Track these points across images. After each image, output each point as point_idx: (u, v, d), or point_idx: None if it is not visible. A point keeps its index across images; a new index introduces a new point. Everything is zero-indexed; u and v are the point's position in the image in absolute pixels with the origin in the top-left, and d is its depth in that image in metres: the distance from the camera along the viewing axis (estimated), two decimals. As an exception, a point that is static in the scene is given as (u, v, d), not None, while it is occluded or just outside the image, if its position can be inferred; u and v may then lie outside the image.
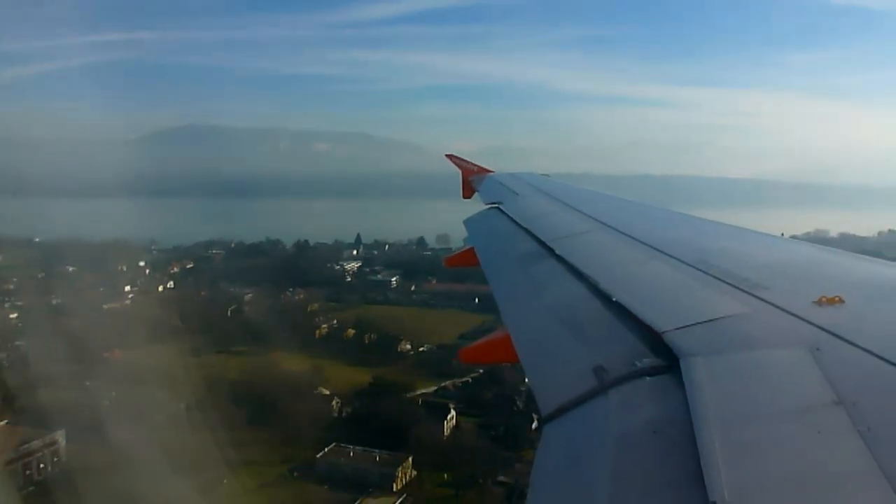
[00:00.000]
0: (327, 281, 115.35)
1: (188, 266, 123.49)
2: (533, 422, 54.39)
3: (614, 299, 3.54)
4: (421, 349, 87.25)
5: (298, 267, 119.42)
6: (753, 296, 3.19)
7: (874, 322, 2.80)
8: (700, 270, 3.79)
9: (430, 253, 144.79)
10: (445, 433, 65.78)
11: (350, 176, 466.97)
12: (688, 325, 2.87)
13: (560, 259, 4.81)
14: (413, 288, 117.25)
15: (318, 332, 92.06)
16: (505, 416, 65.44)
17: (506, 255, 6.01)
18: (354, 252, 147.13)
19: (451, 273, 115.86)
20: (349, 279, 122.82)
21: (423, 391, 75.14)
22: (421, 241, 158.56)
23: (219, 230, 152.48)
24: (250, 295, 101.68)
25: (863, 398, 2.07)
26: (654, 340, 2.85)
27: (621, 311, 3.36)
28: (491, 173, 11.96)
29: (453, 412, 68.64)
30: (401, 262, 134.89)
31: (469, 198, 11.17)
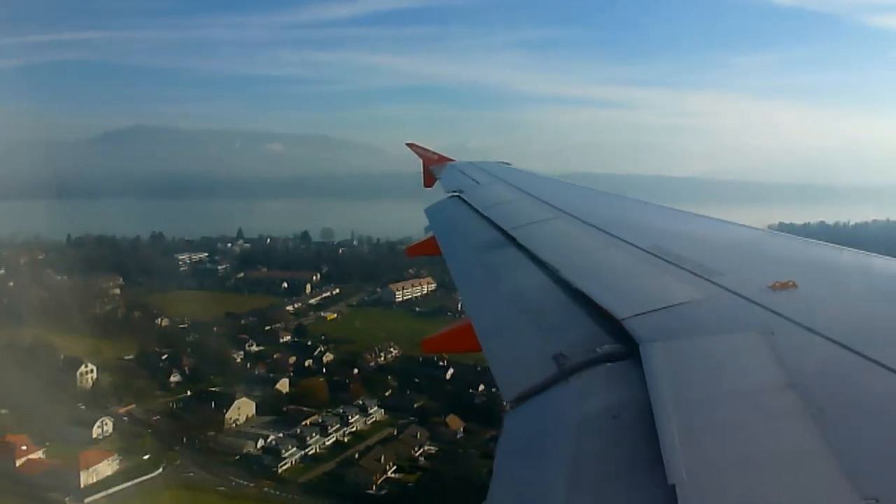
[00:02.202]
0: (154, 270, 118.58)
1: (39, 257, 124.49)
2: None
3: (575, 287, 3.54)
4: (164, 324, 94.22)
5: (136, 258, 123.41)
6: (709, 281, 3.22)
7: (826, 306, 2.86)
8: (657, 257, 3.83)
9: (304, 246, 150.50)
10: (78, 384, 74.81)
11: (302, 177, 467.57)
12: (646, 312, 2.89)
13: (520, 247, 4.82)
14: (241, 275, 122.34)
15: (97, 311, 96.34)
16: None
17: (466, 243, 6.01)
18: (229, 245, 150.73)
19: (282, 262, 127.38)
20: (183, 269, 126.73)
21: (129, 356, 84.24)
22: (304, 236, 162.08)
23: (137, 229, 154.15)
24: (63, 280, 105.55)
25: (815, 381, 2.11)
26: (613, 327, 2.87)
27: (581, 299, 3.36)
28: (452, 162, 11.87)
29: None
30: (260, 254, 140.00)
31: (430, 187, 11.08)
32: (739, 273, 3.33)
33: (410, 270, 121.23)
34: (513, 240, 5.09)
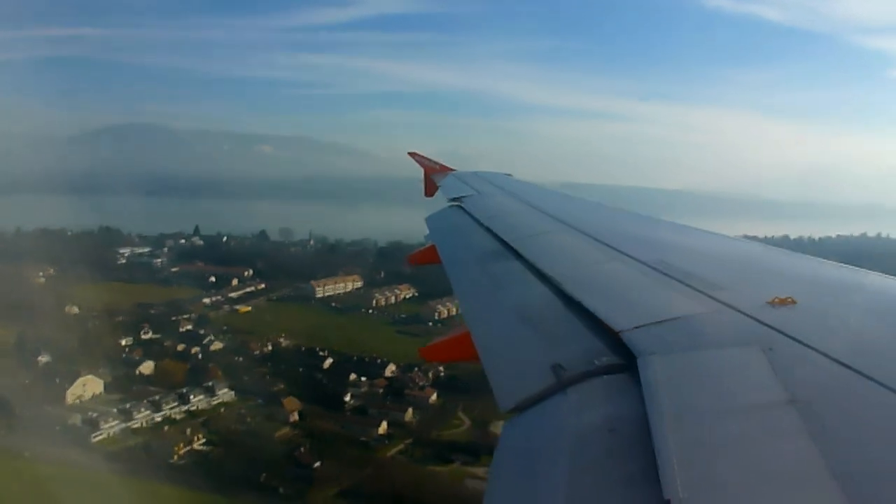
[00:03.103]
0: (91, 262, 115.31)
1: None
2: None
3: (574, 299, 3.55)
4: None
5: (78, 251, 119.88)
6: (709, 296, 3.24)
7: (825, 322, 2.87)
8: (658, 271, 3.84)
9: (258, 245, 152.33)
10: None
11: (288, 179, 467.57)
12: (645, 325, 2.90)
13: (521, 258, 4.82)
14: (176, 269, 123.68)
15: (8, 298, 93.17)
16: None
17: (467, 253, 6.00)
18: (182, 241, 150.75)
19: (222, 258, 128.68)
20: (121, 262, 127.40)
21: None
22: (262, 234, 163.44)
23: (105, 223, 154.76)
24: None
25: (814, 397, 2.12)
26: (612, 339, 2.88)
27: (581, 311, 3.37)
28: (453, 171, 11.91)
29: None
30: (204, 251, 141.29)
31: (431, 196, 11.06)
32: (739, 288, 3.35)
33: (343, 269, 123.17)
34: (513, 250, 5.09)
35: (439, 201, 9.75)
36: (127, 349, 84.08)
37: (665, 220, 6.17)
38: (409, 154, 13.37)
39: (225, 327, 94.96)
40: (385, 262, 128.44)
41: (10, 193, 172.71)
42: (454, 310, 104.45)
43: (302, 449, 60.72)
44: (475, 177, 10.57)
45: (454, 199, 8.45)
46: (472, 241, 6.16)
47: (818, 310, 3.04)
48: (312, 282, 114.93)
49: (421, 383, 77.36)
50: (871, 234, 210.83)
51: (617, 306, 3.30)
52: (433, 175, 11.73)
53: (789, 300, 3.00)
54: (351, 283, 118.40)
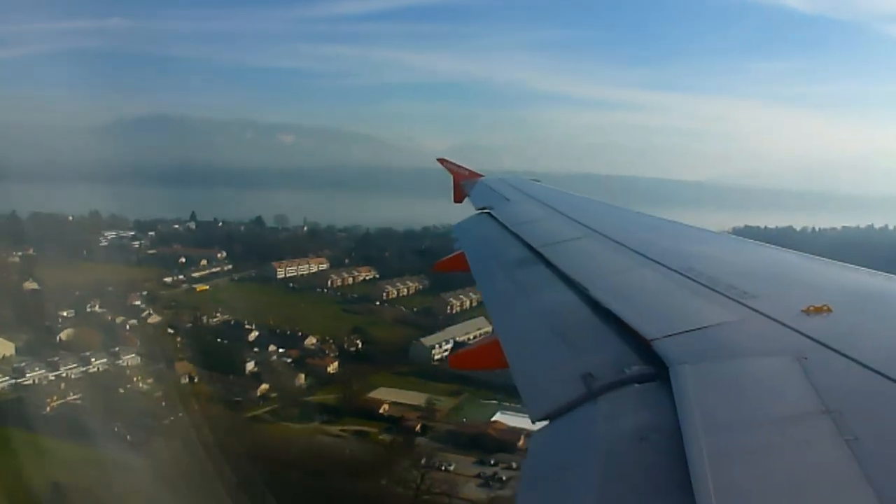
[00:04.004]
0: (71, 244, 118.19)
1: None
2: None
3: (604, 306, 3.53)
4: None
5: (62, 234, 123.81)
6: (741, 304, 3.20)
7: (860, 331, 2.83)
8: (689, 278, 3.80)
9: (254, 231, 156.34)
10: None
11: (307, 168, 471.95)
12: (677, 333, 2.88)
13: (550, 265, 4.78)
14: (153, 252, 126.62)
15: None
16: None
17: (495, 260, 5.97)
18: (175, 227, 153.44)
19: (201, 242, 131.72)
20: (103, 244, 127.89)
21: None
22: (258, 220, 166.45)
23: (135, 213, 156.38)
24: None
25: (849, 407, 2.09)
26: (643, 348, 2.86)
27: (611, 319, 3.35)
28: (482, 177, 11.86)
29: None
30: (191, 235, 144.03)
31: (460, 202, 11.02)
32: (772, 296, 3.30)
33: (314, 252, 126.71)
34: (542, 257, 5.05)
35: (451, 204, 10.22)
36: (61, 319, 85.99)
37: (694, 226, 6.09)
38: (439, 160, 13.34)
39: (173, 303, 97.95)
40: (362, 247, 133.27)
41: (34, 182, 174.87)
42: (405, 290, 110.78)
43: (163, 404, 62.81)
44: (503, 183, 10.54)
45: (482, 206, 8.45)
46: (500, 249, 6.13)
47: (854, 318, 3.00)
48: (275, 263, 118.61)
49: (330, 354, 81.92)
50: (878, 225, 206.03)
51: (647, 314, 3.28)
52: (462, 182, 11.75)
53: (825, 308, 2.96)
54: (316, 265, 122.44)
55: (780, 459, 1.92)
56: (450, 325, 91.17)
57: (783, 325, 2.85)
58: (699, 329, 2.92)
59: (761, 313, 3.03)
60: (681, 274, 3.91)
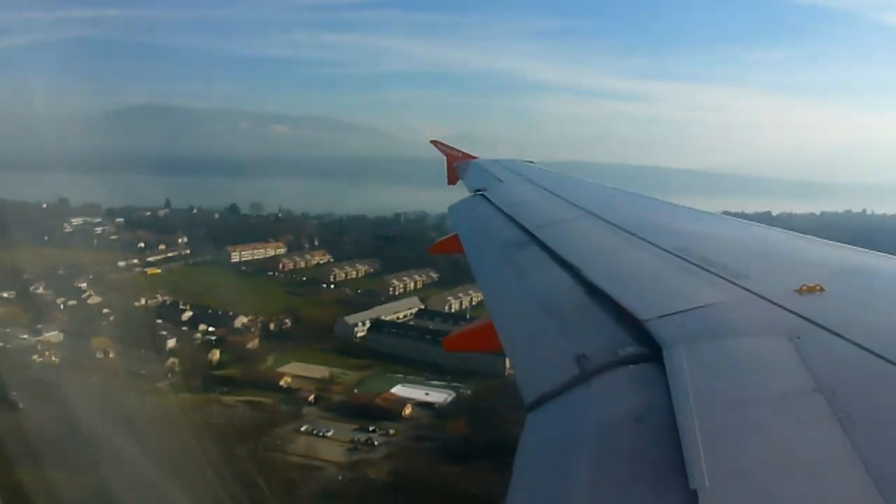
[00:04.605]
0: (34, 230, 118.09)
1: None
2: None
3: (597, 287, 3.53)
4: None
5: (27, 221, 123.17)
6: (734, 284, 3.20)
7: (854, 311, 2.84)
8: (682, 258, 3.80)
9: (228, 218, 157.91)
10: None
11: (299, 157, 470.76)
12: (670, 314, 2.88)
13: (543, 247, 4.77)
14: (115, 237, 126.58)
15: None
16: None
17: (489, 242, 5.94)
18: (147, 213, 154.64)
19: (167, 228, 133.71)
20: (68, 230, 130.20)
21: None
22: (232, 208, 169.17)
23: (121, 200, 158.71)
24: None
25: (842, 386, 2.10)
26: (636, 329, 2.86)
27: (604, 300, 3.34)
28: (475, 159, 11.81)
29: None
30: (158, 222, 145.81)
31: (454, 184, 11.01)
32: (765, 276, 3.30)
33: (275, 237, 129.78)
34: (536, 239, 5.03)
35: (447, 188, 10.18)
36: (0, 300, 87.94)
37: (684, 205, 6.11)
38: (432, 142, 13.29)
39: (118, 286, 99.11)
40: (325, 233, 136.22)
41: (20, 170, 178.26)
42: (354, 273, 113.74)
43: (67, 375, 63.74)
44: (497, 165, 10.50)
45: (476, 188, 8.42)
46: (494, 230, 6.11)
47: (846, 297, 3.01)
48: (229, 247, 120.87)
49: (255, 332, 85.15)
50: (856, 210, 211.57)
51: (640, 295, 3.28)
52: (456, 164, 11.70)
53: (817, 288, 2.96)
54: (273, 250, 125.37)
55: (772, 438, 1.93)
56: (381, 305, 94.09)
57: (776, 304, 2.86)
58: (693, 309, 2.93)
59: (754, 293, 3.03)
60: (674, 254, 3.91)
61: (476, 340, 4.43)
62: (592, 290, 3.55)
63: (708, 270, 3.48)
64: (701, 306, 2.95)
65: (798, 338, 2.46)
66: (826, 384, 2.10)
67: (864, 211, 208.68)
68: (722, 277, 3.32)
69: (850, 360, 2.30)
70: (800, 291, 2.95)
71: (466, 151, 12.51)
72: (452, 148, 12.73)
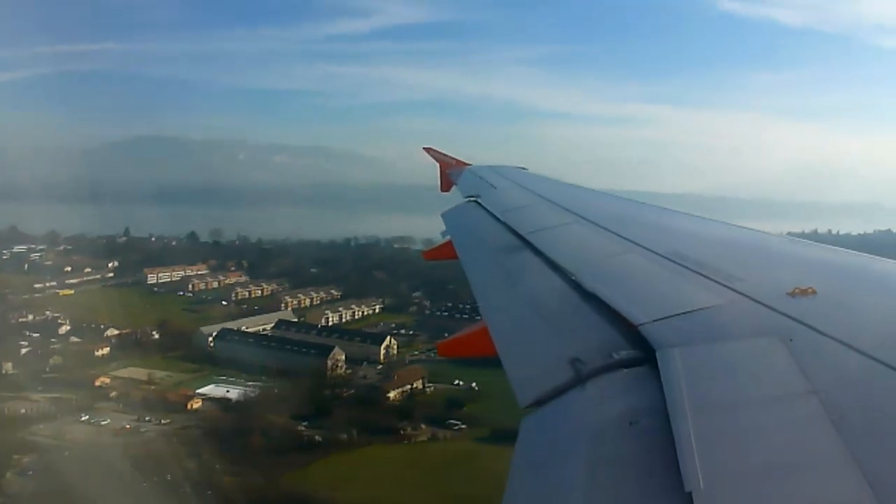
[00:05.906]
0: None
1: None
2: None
3: (591, 292, 3.52)
4: None
5: None
6: (727, 287, 3.21)
7: (846, 313, 2.86)
8: (675, 262, 3.81)
9: (183, 244, 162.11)
10: None
11: (297, 187, 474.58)
12: (664, 317, 2.89)
13: (537, 252, 4.76)
14: (49, 263, 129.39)
15: None
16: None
17: (483, 248, 5.95)
18: (103, 241, 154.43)
19: (106, 253, 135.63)
20: (6, 258, 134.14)
21: None
22: (191, 236, 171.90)
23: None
24: None
25: (835, 387, 2.12)
26: (630, 332, 2.86)
27: (598, 304, 3.34)
28: (469, 166, 11.74)
29: None
30: (102, 248, 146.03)
31: (447, 191, 10.97)
32: (758, 279, 3.31)
33: (203, 261, 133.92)
34: (530, 244, 5.02)
35: (441, 200, 10.15)
36: None
37: (679, 211, 6.11)
38: (425, 149, 13.21)
39: (19, 306, 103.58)
40: (254, 257, 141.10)
41: (27, 202, 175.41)
42: (259, 292, 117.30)
43: None
44: (490, 171, 10.48)
45: (470, 195, 8.41)
46: (488, 236, 6.11)
47: (839, 300, 3.02)
48: (146, 269, 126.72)
49: (113, 342, 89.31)
50: (842, 231, 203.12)
51: (634, 299, 3.28)
52: (449, 171, 11.63)
53: (809, 290, 2.98)
54: (193, 271, 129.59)
55: (766, 440, 1.94)
56: (248, 317, 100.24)
57: (769, 307, 2.88)
58: (686, 313, 2.94)
59: (747, 296, 3.05)
60: (665, 258, 3.93)
61: (470, 345, 4.34)
62: (586, 295, 3.55)
63: (701, 274, 3.50)
64: (695, 310, 2.96)
65: (791, 340, 2.47)
66: (819, 386, 2.12)
67: (850, 233, 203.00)
68: (715, 281, 3.34)
69: (842, 361, 2.32)
70: (792, 294, 2.97)
71: (460, 159, 12.47)
72: (446, 155, 12.70)
